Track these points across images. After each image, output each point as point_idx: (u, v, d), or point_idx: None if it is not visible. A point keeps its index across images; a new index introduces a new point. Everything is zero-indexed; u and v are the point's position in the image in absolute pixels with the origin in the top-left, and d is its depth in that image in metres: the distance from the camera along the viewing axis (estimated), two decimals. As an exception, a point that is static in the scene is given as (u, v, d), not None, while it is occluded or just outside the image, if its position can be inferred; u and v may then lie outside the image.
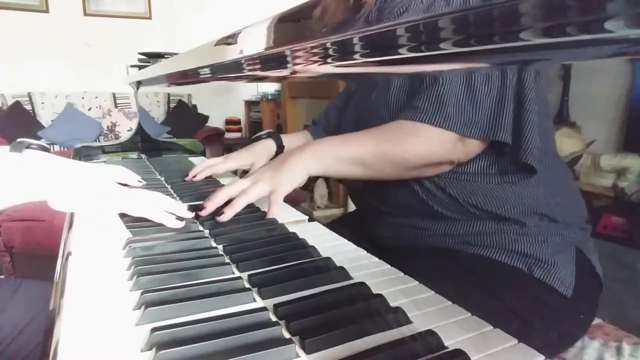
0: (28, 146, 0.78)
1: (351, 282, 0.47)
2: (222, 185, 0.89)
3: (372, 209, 0.76)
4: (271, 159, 0.91)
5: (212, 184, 0.92)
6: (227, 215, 0.63)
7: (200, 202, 0.69)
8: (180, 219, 0.63)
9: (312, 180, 0.68)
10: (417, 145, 0.60)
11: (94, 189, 0.60)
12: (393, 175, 0.63)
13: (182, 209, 0.66)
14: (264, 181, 0.64)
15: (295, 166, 0.63)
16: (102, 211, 0.60)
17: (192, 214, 0.65)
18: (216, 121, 1.74)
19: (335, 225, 0.69)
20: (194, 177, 0.93)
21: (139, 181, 0.89)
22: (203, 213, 0.65)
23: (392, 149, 0.60)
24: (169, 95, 2.18)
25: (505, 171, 0.59)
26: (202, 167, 0.94)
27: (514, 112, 0.56)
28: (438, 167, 0.61)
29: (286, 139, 0.93)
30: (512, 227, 0.59)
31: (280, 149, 0.91)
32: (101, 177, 0.64)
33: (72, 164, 0.63)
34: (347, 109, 0.83)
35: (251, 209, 0.73)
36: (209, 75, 0.83)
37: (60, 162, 0.61)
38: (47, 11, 3.53)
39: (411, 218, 0.67)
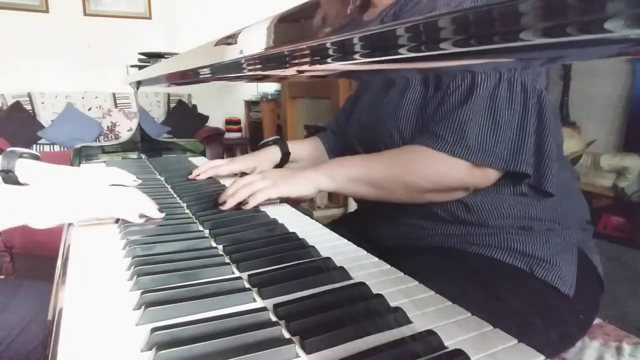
0: (21, 155, 0.79)
1: (351, 282, 0.47)
2: (223, 186, 0.90)
3: (374, 208, 0.76)
4: (276, 166, 0.92)
5: (213, 184, 0.92)
6: (229, 204, 0.69)
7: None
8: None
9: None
10: (429, 169, 0.60)
11: (69, 200, 0.61)
12: (405, 198, 0.63)
13: (153, 209, 0.66)
14: (269, 178, 0.68)
15: (306, 178, 0.66)
16: (80, 218, 0.63)
17: (163, 214, 0.67)
18: (216, 121, 1.74)
19: (335, 225, 0.69)
20: (197, 175, 0.95)
21: (134, 180, 0.90)
22: (226, 207, 0.70)
23: (404, 172, 0.61)
24: (169, 95, 2.18)
25: (519, 184, 0.59)
26: (206, 167, 0.96)
27: (535, 145, 0.55)
28: (452, 193, 0.61)
29: (294, 146, 0.93)
30: (515, 230, 0.59)
31: (285, 155, 0.92)
32: (77, 186, 0.65)
33: (52, 179, 0.65)
34: (354, 112, 0.83)
35: (251, 209, 0.73)
36: (209, 75, 0.83)
37: (39, 180, 0.64)
38: (47, 11, 3.53)
39: (413, 218, 0.67)
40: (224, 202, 0.70)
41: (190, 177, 0.95)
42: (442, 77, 0.62)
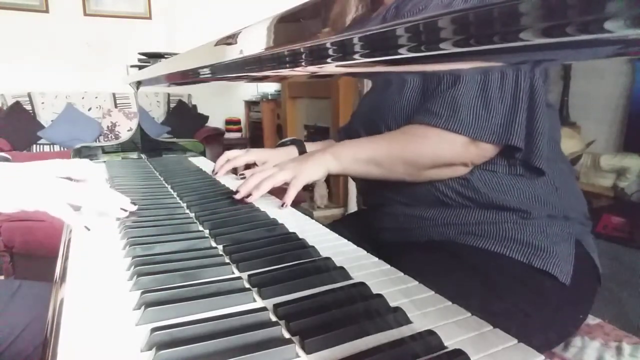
0: None
1: (351, 282, 0.47)
2: (223, 186, 0.90)
3: (378, 199, 0.76)
4: None
5: (212, 185, 0.93)
6: (255, 196, 0.73)
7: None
8: (124, 210, 0.68)
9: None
10: (427, 146, 0.62)
11: (34, 187, 0.61)
12: (407, 175, 0.66)
13: (125, 202, 0.69)
14: (288, 169, 0.71)
15: (317, 162, 0.69)
16: (46, 207, 0.60)
17: (135, 207, 0.70)
18: (216, 121, 1.74)
19: (335, 225, 0.69)
20: (217, 173, 0.99)
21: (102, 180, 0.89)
22: (237, 197, 0.75)
23: (403, 150, 0.64)
24: (169, 95, 2.18)
25: (514, 163, 0.61)
26: (224, 159, 0.98)
27: (526, 120, 0.57)
28: (452, 169, 0.63)
29: (310, 147, 0.95)
30: (513, 217, 0.60)
31: (302, 155, 0.93)
32: (44, 175, 0.64)
33: (17, 168, 0.63)
34: (361, 104, 0.84)
35: (251, 208, 0.73)
36: (209, 75, 0.83)
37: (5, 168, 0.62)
38: (47, 11, 3.53)
39: (415, 207, 0.68)
40: (249, 195, 0.74)
41: (215, 171, 0.98)
42: None
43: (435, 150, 0.62)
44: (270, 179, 0.72)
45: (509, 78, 0.57)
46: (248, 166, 0.96)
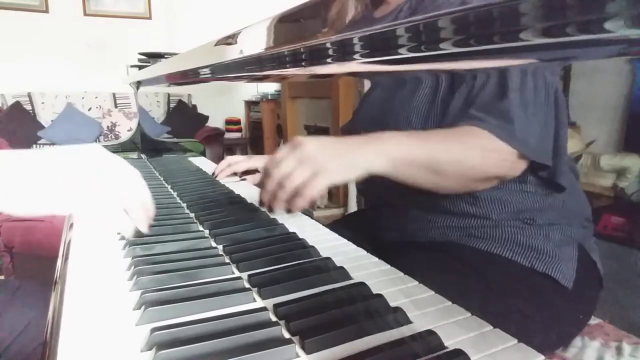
0: None
1: (351, 282, 0.47)
2: (223, 187, 0.90)
3: (378, 200, 0.76)
4: None
5: (212, 185, 0.93)
6: (277, 209, 0.53)
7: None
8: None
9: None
10: (489, 159, 0.54)
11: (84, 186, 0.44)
12: (457, 185, 0.58)
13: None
14: (307, 164, 0.51)
15: (356, 159, 0.52)
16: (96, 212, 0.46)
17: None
18: (216, 121, 1.74)
19: (335, 225, 0.69)
20: (217, 175, 0.98)
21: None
22: (263, 207, 0.58)
23: (464, 157, 0.54)
24: (169, 95, 2.18)
25: (524, 180, 0.59)
26: (225, 164, 0.97)
27: (553, 137, 0.55)
28: (489, 183, 0.58)
29: None
30: (517, 222, 0.59)
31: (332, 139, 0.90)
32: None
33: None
34: (365, 105, 0.83)
35: (251, 208, 0.73)
36: (209, 75, 0.83)
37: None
38: (47, 11, 3.53)
39: (416, 210, 0.67)
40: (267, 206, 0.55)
41: (215, 176, 0.98)
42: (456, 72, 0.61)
43: (496, 163, 0.55)
44: (304, 196, 0.50)
45: (541, 93, 0.55)
46: (248, 171, 0.96)
